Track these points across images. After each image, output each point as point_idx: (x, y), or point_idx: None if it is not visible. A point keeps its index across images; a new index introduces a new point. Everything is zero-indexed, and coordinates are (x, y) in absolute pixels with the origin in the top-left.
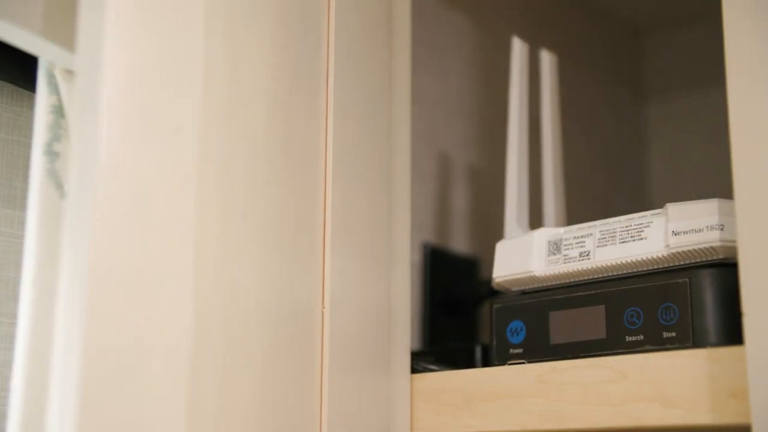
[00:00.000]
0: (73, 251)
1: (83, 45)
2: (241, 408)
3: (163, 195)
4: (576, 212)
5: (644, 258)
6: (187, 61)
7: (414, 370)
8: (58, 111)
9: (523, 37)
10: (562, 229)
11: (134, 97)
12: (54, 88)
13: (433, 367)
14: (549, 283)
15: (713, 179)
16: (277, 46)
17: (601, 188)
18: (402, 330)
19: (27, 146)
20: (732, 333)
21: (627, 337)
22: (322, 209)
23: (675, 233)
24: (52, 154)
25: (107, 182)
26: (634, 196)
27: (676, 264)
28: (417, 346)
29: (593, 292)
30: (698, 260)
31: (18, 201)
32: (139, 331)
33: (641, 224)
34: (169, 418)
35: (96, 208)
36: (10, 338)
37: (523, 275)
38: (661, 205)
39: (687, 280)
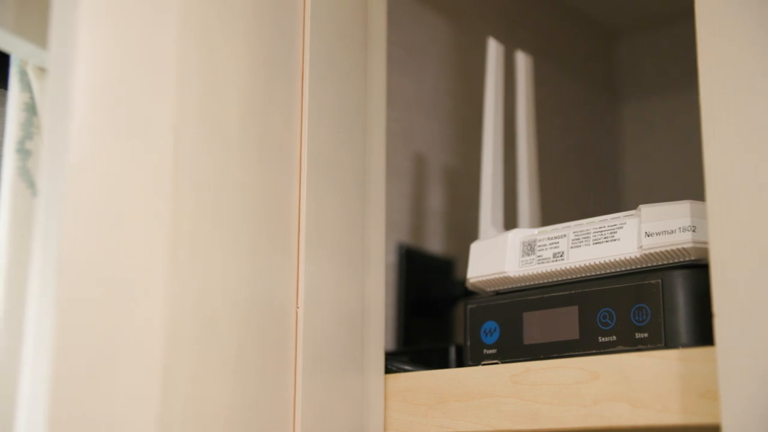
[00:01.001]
0: (44, 250)
1: (56, 42)
2: (214, 408)
3: (136, 194)
4: (551, 213)
5: (617, 259)
6: (160, 59)
7: (388, 371)
8: (31, 109)
9: (499, 38)
10: (536, 230)
11: (107, 94)
12: (26, 85)
13: (406, 367)
14: (523, 284)
15: (687, 181)
16: (252, 45)
17: (575, 189)
18: (376, 330)
19: None
20: (703, 334)
21: (600, 337)
22: (296, 209)
23: (648, 234)
24: (24, 152)
25: (78, 180)
26: (609, 198)
27: (649, 265)
28: (392, 347)
29: (567, 292)
30: (671, 261)
31: None
32: (110, 330)
33: (614, 225)
34: (141, 418)
35: (67, 206)
36: None
37: (497, 276)
38: (635, 207)
39: (659, 281)
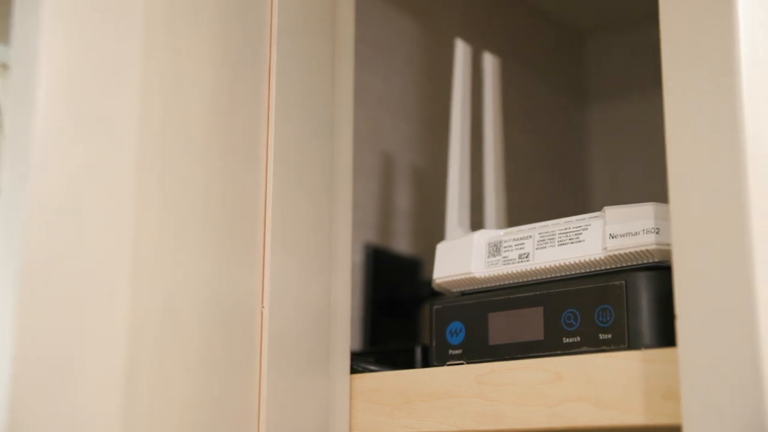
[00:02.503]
0: (5, 249)
1: (18, 38)
2: (178, 409)
3: (99, 193)
4: (518, 214)
5: (582, 260)
6: (124, 57)
7: (353, 371)
8: None
9: (468, 39)
10: (501, 231)
11: (70, 91)
12: None
13: (372, 367)
14: (488, 285)
15: (653, 183)
16: (219, 43)
17: (542, 190)
18: (342, 330)
19: None
20: (666, 335)
21: (564, 338)
22: (262, 208)
23: (612, 236)
24: None
25: (41, 179)
26: (576, 199)
27: (614, 266)
28: (358, 347)
29: (532, 293)
30: (635, 263)
31: None
32: (72, 331)
33: (579, 227)
34: (104, 419)
35: (29, 205)
36: None
37: (463, 276)
38: (601, 208)
39: (623, 282)
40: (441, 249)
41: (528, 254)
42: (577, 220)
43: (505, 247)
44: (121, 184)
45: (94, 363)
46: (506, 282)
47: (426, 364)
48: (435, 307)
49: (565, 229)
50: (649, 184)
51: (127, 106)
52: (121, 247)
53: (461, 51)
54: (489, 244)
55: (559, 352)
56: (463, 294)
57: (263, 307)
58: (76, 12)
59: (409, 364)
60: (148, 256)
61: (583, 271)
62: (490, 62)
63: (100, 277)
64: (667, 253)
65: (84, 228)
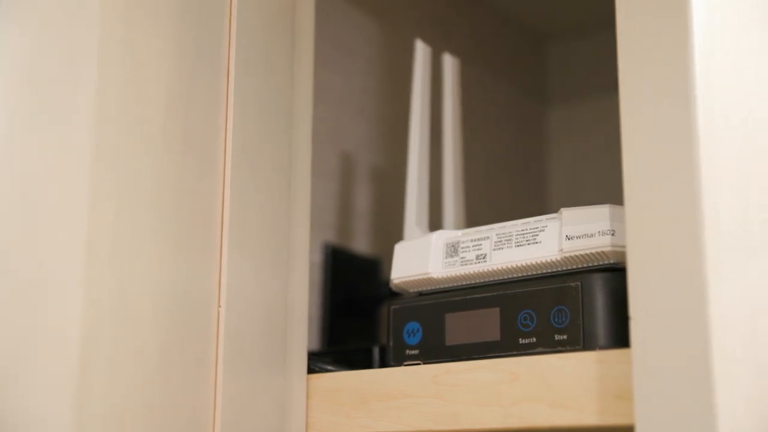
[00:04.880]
0: None
1: None
2: (132, 409)
3: (53, 189)
4: (478, 215)
5: (538, 261)
6: (81, 52)
7: (311, 371)
8: None
9: (429, 40)
10: (459, 232)
11: (24, 87)
12: None
13: (329, 367)
14: (446, 285)
15: (611, 185)
16: (177, 39)
17: (502, 191)
18: (299, 330)
19: None
20: (621, 336)
21: (520, 339)
22: (219, 207)
23: (568, 238)
24: None
25: None
26: (535, 201)
27: (570, 268)
28: (317, 347)
29: (488, 294)
30: (590, 264)
31: None
32: (25, 330)
33: (536, 228)
34: (56, 419)
35: None
36: None
37: (421, 277)
38: (560, 210)
39: (579, 283)
40: (399, 249)
41: (485, 255)
42: (534, 221)
43: (462, 247)
44: (75, 180)
45: (46, 362)
46: (464, 282)
47: (383, 364)
48: (392, 307)
49: (522, 230)
50: (608, 186)
51: (82, 101)
52: (74, 245)
53: (421, 52)
54: (447, 244)
55: (515, 352)
56: (421, 294)
57: (220, 306)
58: (32, 6)
59: (367, 364)
60: (103, 255)
61: (539, 272)
62: (449, 63)
63: (52, 276)
64: (622, 255)
65: (36, 226)
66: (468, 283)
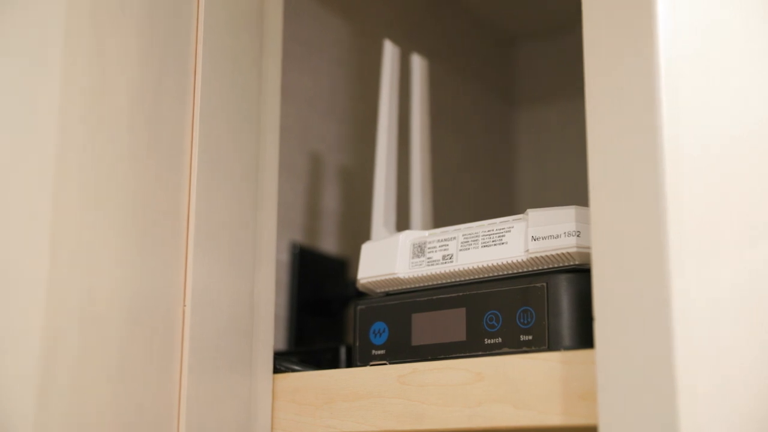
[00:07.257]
0: None
1: None
2: (96, 408)
3: (16, 189)
4: (445, 216)
5: (504, 262)
6: (46, 50)
7: (277, 370)
8: None
9: (398, 41)
10: (426, 232)
11: None
12: None
13: (295, 367)
14: (412, 286)
15: (578, 186)
16: (144, 37)
17: (470, 192)
18: (265, 330)
19: None
20: (585, 337)
21: (486, 339)
22: (185, 206)
23: (534, 239)
24: None
25: None
26: (503, 202)
27: (536, 269)
28: (284, 347)
29: (455, 294)
30: (556, 265)
31: None
32: None
33: (503, 229)
34: (19, 420)
35: None
36: None
37: (387, 277)
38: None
39: (544, 284)
40: (366, 249)
41: (452, 255)
42: (500, 222)
43: (429, 248)
44: (39, 180)
45: (9, 361)
46: (430, 283)
47: (350, 364)
48: (359, 307)
49: (489, 231)
50: (575, 187)
51: (48, 98)
52: (39, 242)
53: (389, 52)
54: (414, 245)
55: (480, 353)
56: (387, 294)
57: (185, 306)
58: None
59: (333, 364)
60: (66, 255)
61: (505, 272)
62: (418, 63)
63: (16, 274)
64: (587, 256)
65: (0, 223)
66: (434, 283)
